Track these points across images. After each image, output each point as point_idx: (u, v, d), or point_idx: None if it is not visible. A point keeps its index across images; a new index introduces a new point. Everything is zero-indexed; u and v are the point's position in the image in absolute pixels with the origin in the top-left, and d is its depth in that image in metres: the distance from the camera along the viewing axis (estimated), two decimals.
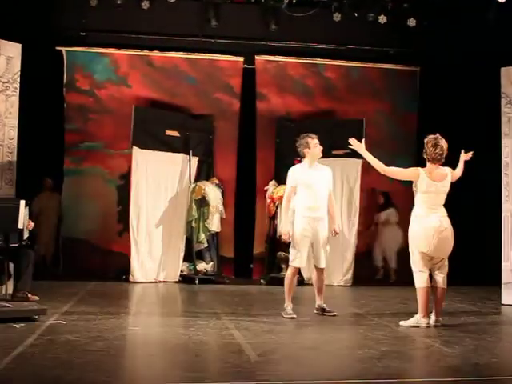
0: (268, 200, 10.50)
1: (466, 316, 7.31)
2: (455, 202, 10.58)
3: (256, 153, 11.14)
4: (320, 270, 7.18)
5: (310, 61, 11.33)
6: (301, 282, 9.98)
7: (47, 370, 4.59)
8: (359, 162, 10.38)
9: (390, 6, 10.22)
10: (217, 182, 10.56)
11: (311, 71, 11.41)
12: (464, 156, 7.01)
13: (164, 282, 10.19)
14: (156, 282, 10.09)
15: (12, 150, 8.37)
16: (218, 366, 4.93)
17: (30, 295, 7.04)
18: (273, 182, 10.59)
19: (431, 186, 6.51)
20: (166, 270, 10.27)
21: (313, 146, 7.16)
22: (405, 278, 10.19)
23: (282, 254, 10.36)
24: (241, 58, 11.18)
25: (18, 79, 8.45)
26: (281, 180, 10.58)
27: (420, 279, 6.48)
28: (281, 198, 10.31)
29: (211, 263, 10.49)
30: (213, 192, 10.32)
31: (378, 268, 11.15)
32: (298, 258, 7.04)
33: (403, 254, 10.69)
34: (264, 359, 5.03)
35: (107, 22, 10.51)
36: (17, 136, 8.41)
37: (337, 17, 10.29)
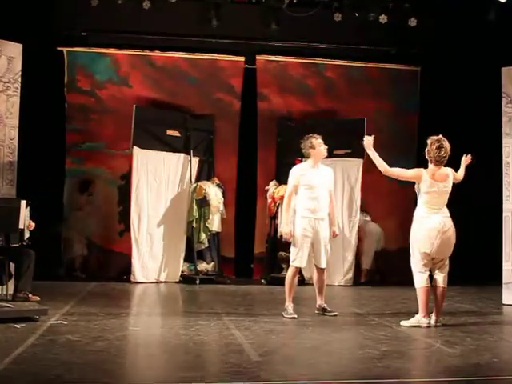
0: (269, 200, 10.50)
1: (467, 316, 7.31)
2: (456, 202, 10.63)
3: (257, 153, 11.14)
4: (321, 270, 7.18)
5: (311, 61, 11.33)
6: (301, 281, 9.98)
7: (48, 370, 4.59)
8: (360, 161, 10.40)
9: (390, 5, 10.21)
10: (217, 181, 10.57)
11: (312, 71, 11.40)
12: (465, 160, 7.00)
13: (165, 282, 10.20)
14: (157, 283, 10.10)
15: (13, 150, 8.38)
16: (218, 366, 4.93)
17: (30, 295, 7.05)
18: (273, 182, 10.59)
19: (433, 187, 6.51)
20: (166, 270, 10.28)
21: (317, 145, 7.18)
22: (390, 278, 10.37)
23: (282, 253, 10.36)
24: (242, 58, 11.18)
25: (19, 79, 8.46)
26: (281, 180, 10.58)
27: (420, 279, 6.48)
28: (281, 197, 10.32)
29: (212, 263, 10.50)
30: (213, 192, 10.32)
31: (362, 270, 10.84)
32: (298, 258, 7.04)
33: (382, 254, 10.84)
34: (265, 359, 5.04)
35: (108, 22, 10.51)
36: (18, 136, 8.42)
37: (337, 17, 10.28)
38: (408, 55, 11.10)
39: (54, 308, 6.97)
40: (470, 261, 10.37)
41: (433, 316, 6.52)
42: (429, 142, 6.64)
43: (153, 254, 10.20)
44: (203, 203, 10.28)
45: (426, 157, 6.65)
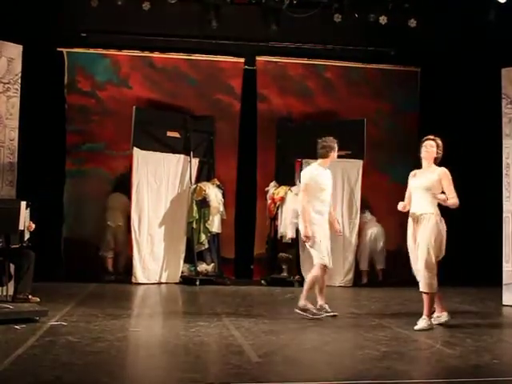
0: (269, 201, 10.51)
1: (467, 317, 7.31)
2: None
3: (257, 154, 11.14)
4: (326, 270, 7.17)
5: (311, 61, 11.33)
6: (301, 282, 9.99)
7: (48, 371, 4.59)
8: (360, 162, 10.41)
9: (390, 6, 10.21)
10: (217, 182, 10.56)
11: (312, 72, 11.41)
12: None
13: (165, 283, 10.20)
14: (158, 284, 10.10)
15: (13, 151, 8.39)
16: (218, 367, 4.93)
17: (30, 297, 7.05)
18: (273, 183, 10.60)
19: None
20: (167, 271, 10.28)
21: (336, 149, 7.19)
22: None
23: (282, 254, 10.38)
24: (241, 59, 11.19)
25: (19, 80, 8.46)
26: (281, 181, 10.60)
27: (436, 284, 6.45)
28: (281, 198, 10.37)
29: (212, 264, 10.50)
30: (213, 193, 10.32)
31: (363, 271, 10.72)
32: (326, 257, 7.04)
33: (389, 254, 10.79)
34: (265, 360, 5.04)
35: (108, 23, 10.51)
36: (18, 137, 8.42)
37: (337, 17, 10.28)
38: (408, 56, 11.11)
39: (54, 309, 6.97)
40: (470, 261, 10.39)
41: (441, 313, 6.55)
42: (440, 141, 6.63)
43: (153, 255, 10.21)
44: (203, 204, 10.28)
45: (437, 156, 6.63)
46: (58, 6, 10.19)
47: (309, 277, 7.12)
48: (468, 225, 10.63)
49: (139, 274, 10.03)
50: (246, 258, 11.11)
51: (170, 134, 10.45)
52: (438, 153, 6.65)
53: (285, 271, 10.36)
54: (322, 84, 11.41)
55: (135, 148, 10.10)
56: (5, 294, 7.26)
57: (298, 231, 9.08)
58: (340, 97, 11.38)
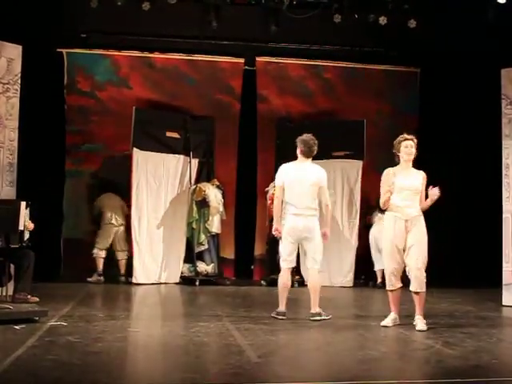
0: (268, 201, 10.49)
1: (467, 317, 7.32)
2: (455, 204, 10.65)
3: (256, 154, 11.15)
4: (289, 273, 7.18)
5: (311, 62, 11.34)
6: (301, 283, 9.99)
7: (48, 372, 4.59)
8: (359, 163, 10.42)
9: (390, 7, 10.21)
10: (217, 183, 10.57)
11: (312, 72, 11.41)
12: (433, 194, 6.52)
13: (165, 283, 10.20)
14: (158, 284, 10.10)
15: (13, 152, 8.38)
16: (218, 368, 4.93)
17: (29, 297, 7.04)
18: (273, 183, 10.56)
19: None
20: (167, 272, 10.28)
21: (299, 147, 7.11)
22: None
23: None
24: (241, 60, 11.19)
25: (19, 81, 8.46)
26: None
27: None
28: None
29: (212, 264, 10.50)
30: (213, 193, 10.33)
31: (378, 271, 10.64)
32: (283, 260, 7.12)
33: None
34: (265, 360, 5.04)
35: (108, 24, 10.51)
36: (17, 137, 8.42)
37: (337, 18, 10.27)
38: (407, 56, 11.11)
39: (54, 309, 6.97)
40: (470, 262, 10.39)
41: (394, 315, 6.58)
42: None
43: (153, 256, 10.21)
44: (203, 204, 10.28)
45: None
46: (58, 6, 10.18)
47: (314, 284, 7.01)
48: (467, 225, 10.64)
49: (139, 274, 10.03)
50: (246, 258, 11.12)
51: (169, 134, 10.45)
52: (415, 153, 6.60)
53: None
54: (322, 84, 11.42)
55: (135, 148, 10.10)
56: (4, 294, 7.26)
57: None
58: (340, 97, 11.39)
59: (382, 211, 6.76)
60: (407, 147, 6.56)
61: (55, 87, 10.64)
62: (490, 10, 9.37)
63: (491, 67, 9.13)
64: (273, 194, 10.41)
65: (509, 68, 8.57)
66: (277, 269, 10.37)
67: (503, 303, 8.24)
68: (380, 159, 11.29)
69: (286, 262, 7.02)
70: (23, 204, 7.09)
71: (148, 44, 10.95)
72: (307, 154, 7.02)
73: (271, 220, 10.47)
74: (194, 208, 10.28)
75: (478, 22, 9.77)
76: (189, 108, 11.01)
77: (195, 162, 10.65)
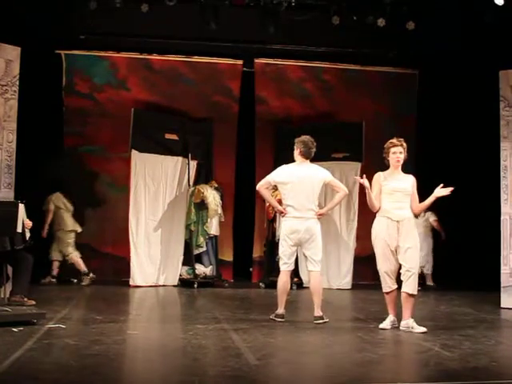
0: (267, 203, 10.49)
1: (465, 319, 7.31)
2: (453, 206, 10.65)
3: (255, 156, 11.14)
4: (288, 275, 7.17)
5: (309, 64, 11.33)
6: (300, 285, 10.00)
7: (46, 374, 4.59)
8: (358, 164, 10.42)
9: (388, 9, 10.21)
10: (216, 185, 10.56)
11: (310, 74, 11.42)
12: (439, 192, 6.59)
13: (163, 285, 10.19)
14: (155, 286, 10.09)
15: (11, 154, 8.37)
16: (216, 370, 4.92)
17: (26, 299, 7.04)
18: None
19: None
20: (165, 274, 10.27)
21: (296, 148, 7.14)
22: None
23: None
24: (240, 61, 11.19)
25: (17, 82, 8.44)
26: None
27: None
28: (280, 200, 10.35)
29: (210, 267, 10.49)
30: (212, 195, 10.32)
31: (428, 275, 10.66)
32: (283, 263, 7.12)
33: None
34: (263, 363, 5.03)
35: (106, 25, 10.49)
36: (16, 139, 8.41)
37: (336, 20, 10.26)
38: (406, 58, 11.12)
39: (52, 312, 6.97)
40: (469, 264, 10.39)
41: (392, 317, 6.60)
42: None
43: (151, 258, 10.20)
44: (201, 206, 10.27)
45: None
46: (57, 8, 10.16)
47: (316, 287, 7.00)
48: (466, 227, 10.64)
49: (136, 277, 10.02)
50: (245, 260, 11.11)
51: (168, 136, 10.44)
52: (405, 157, 6.65)
53: None
54: (321, 86, 11.42)
55: (133, 150, 10.09)
56: (2, 296, 7.25)
57: None
58: (338, 99, 11.39)
59: (415, 216, 6.79)
60: (395, 153, 6.64)
61: (53, 89, 10.64)
62: (488, 11, 9.37)
63: (489, 69, 9.14)
64: (271, 195, 10.45)
65: (507, 70, 8.57)
66: (275, 271, 10.43)
67: (502, 305, 8.24)
68: (378, 161, 11.24)
69: (286, 264, 7.02)
70: (22, 206, 7.08)
71: (146, 46, 10.94)
72: (306, 155, 7.02)
73: (270, 221, 10.52)
74: (193, 210, 10.27)
75: (476, 24, 9.78)
76: (187, 110, 11.00)
77: (194, 164, 10.64)
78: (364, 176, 6.51)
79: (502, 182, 8.53)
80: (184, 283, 10.23)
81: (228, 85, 11.21)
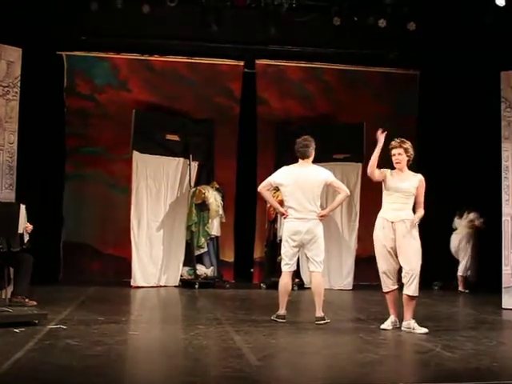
0: (268, 204, 10.49)
1: (466, 320, 7.32)
2: (455, 205, 10.65)
3: (256, 157, 11.15)
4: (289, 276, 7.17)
5: (310, 65, 11.34)
6: (301, 285, 9.99)
7: (47, 375, 4.59)
8: (359, 165, 10.41)
9: (389, 9, 10.22)
10: (217, 186, 10.56)
11: (311, 75, 11.42)
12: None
13: (164, 286, 10.20)
14: (157, 287, 10.09)
15: (12, 155, 8.38)
16: (218, 371, 4.92)
17: (27, 300, 7.04)
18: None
19: None
20: (166, 275, 10.28)
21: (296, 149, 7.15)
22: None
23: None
24: (241, 62, 11.19)
25: (19, 84, 8.46)
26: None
27: None
28: (280, 201, 10.36)
29: (211, 267, 10.49)
30: (213, 196, 10.32)
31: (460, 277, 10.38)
32: (285, 263, 7.10)
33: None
34: (264, 363, 5.03)
35: (107, 27, 10.51)
36: (17, 140, 8.42)
37: (336, 21, 10.28)
38: (407, 59, 11.12)
39: (54, 312, 6.96)
40: (470, 264, 10.38)
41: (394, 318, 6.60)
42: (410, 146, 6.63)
43: (153, 259, 10.21)
44: (202, 207, 10.28)
45: (410, 161, 6.64)
46: (58, 9, 10.18)
47: (318, 288, 6.99)
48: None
49: (138, 278, 10.03)
50: (246, 261, 11.12)
51: (169, 137, 10.45)
52: (408, 156, 6.62)
53: None
54: (322, 87, 11.42)
55: (134, 151, 10.10)
56: (4, 297, 7.26)
57: None
58: (339, 100, 11.39)
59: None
60: (394, 155, 6.64)
61: (55, 90, 10.65)
62: (489, 12, 9.37)
63: (490, 70, 9.14)
64: (272, 196, 10.45)
65: (508, 71, 8.57)
66: (276, 272, 10.43)
67: (503, 306, 8.23)
68: (379, 162, 11.32)
69: (288, 265, 7.02)
70: (23, 207, 7.09)
71: (147, 47, 10.95)
72: (301, 156, 7.05)
73: (271, 222, 10.52)
74: (194, 211, 10.27)
75: (477, 24, 9.79)
76: (188, 111, 11.01)
77: (195, 165, 10.65)
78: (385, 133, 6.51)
79: (504, 183, 8.52)
80: (185, 284, 10.23)
81: (229, 86, 11.21)
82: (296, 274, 10.19)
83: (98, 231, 10.82)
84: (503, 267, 8.40)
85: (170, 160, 10.46)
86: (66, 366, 4.82)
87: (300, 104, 11.37)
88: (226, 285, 10.34)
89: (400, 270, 6.54)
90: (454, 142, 10.92)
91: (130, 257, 10.12)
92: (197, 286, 10.05)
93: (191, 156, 10.51)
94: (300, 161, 7.06)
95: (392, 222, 6.46)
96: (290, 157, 7.36)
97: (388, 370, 4.95)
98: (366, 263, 10.24)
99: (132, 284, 9.96)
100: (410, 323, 6.43)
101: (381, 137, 6.51)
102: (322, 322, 6.78)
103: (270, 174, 7.24)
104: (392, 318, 6.58)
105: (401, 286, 6.55)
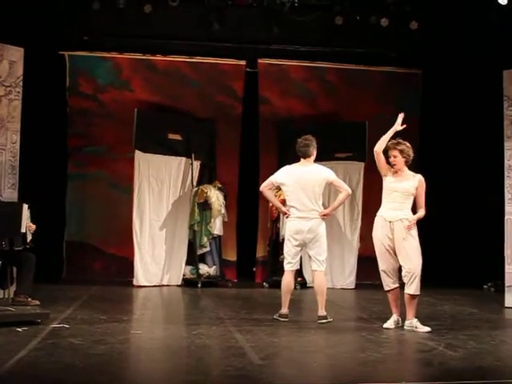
0: (270, 203, 10.48)
1: (469, 319, 7.31)
2: (457, 205, 10.64)
3: (259, 156, 11.14)
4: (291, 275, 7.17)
5: (313, 64, 11.32)
6: (303, 284, 9.99)
7: (50, 374, 4.59)
8: (361, 164, 10.42)
9: (391, 8, 10.22)
10: (219, 185, 10.57)
11: (313, 74, 11.41)
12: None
13: (167, 285, 10.20)
14: (159, 286, 10.10)
15: (15, 154, 8.39)
16: (220, 370, 4.92)
17: (30, 299, 7.05)
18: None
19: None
20: (168, 274, 10.29)
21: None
22: None
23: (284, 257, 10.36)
24: (243, 62, 11.18)
25: (21, 83, 8.47)
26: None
27: None
28: (283, 201, 10.36)
29: (214, 267, 10.50)
30: (215, 195, 10.32)
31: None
32: (288, 262, 7.12)
33: None
34: (267, 362, 5.03)
35: (110, 26, 10.52)
36: (19, 140, 8.42)
37: (339, 20, 10.28)
38: (409, 58, 11.10)
39: (56, 311, 6.98)
40: (473, 264, 10.37)
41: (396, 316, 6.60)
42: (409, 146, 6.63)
43: (155, 258, 10.21)
44: (205, 206, 10.28)
45: (410, 161, 6.64)
46: (60, 9, 10.19)
47: (320, 287, 6.98)
48: (470, 227, 10.63)
49: (140, 277, 10.03)
50: (248, 260, 11.11)
51: (171, 136, 10.45)
52: (404, 157, 6.59)
53: None
54: (324, 86, 11.41)
55: (137, 151, 10.10)
56: (7, 296, 7.27)
57: None
58: (341, 99, 11.38)
59: None
60: (391, 157, 6.64)
61: (57, 90, 10.65)
62: (492, 11, 9.36)
63: (493, 69, 9.13)
64: (275, 196, 10.44)
65: (511, 69, 8.56)
66: (279, 271, 10.43)
67: (506, 305, 8.23)
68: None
69: (290, 264, 7.03)
70: (25, 206, 7.10)
71: (150, 46, 10.95)
72: (302, 155, 7.06)
73: (274, 221, 10.52)
74: (196, 210, 10.28)
75: (480, 23, 9.78)
76: (190, 110, 11.01)
77: (197, 164, 10.64)
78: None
79: (506, 182, 8.52)
80: (187, 283, 10.24)
81: (231, 85, 11.21)
82: (299, 272, 10.21)
83: (101, 230, 10.82)
84: (506, 266, 8.39)
85: (172, 159, 10.46)
86: (68, 364, 4.83)
87: (302, 103, 11.36)
88: (228, 284, 10.35)
89: (400, 268, 6.54)
90: (457, 141, 10.90)
91: (132, 256, 10.12)
92: (199, 285, 10.06)
93: (193, 155, 10.51)
94: (301, 160, 7.07)
95: (390, 222, 6.47)
96: (292, 156, 7.36)
97: (390, 369, 4.94)
98: (368, 262, 10.21)
99: (134, 283, 9.97)
100: (412, 322, 6.43)
101: (399, 117, 6.52)
102: (325, 320, 6.78)
103: (273, 173, 7.24)
104: (394, 316, 6.58)
105: (402, 284, 6.55)
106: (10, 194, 8.29)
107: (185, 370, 4.87)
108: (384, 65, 11.30)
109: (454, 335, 6.17)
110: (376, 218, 6.61)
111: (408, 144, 6.71)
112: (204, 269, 10.38)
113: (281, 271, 10.35)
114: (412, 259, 6.42)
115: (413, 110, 11.32)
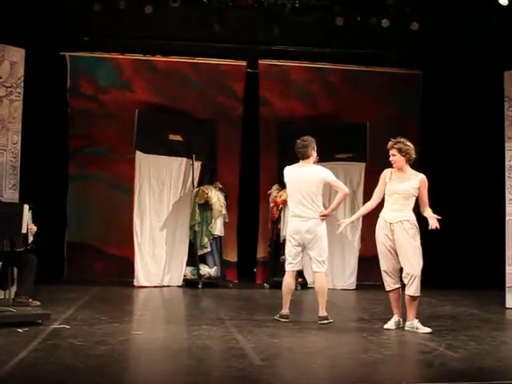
0: (271, 204, 10.50)
1: (470, 320, 7.31)
2: (458, 206, 10.64)
3: (259, 157, 11.15)
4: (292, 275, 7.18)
5: (313, 65, 11.32)
6: (304, 285, 9.99)
7: (51, 375, 4.60)
8: (362, 165, 10.42)
9: (392, 9, 10.22)
10: (220, 186, 10.57)
11: (314, 75, 11.40)
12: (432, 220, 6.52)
13: (167, 286, 10.20)
14: (160, 287, 10.10)
15: (16, 155, 8.40)
16: (221, 371, 4.93)
17: (31, 300, 7.06)
18: (276, 186, 10.58)
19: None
20: (169, 275, 10.29)
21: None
22: None
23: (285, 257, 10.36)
24: (244, 63, 11.18)
25: (22, 84, 8.47)
26: (284, 184, 10.59)
27: None
28: (284, 201, 10.37)
29: (214, 267, 10.49)
30: (216, 196, 10.33)
31: None
32: (288, 262, 7.14)
33: None
34: (267, 363, 5.03)
35: (110, 27, 10.51)
36: (20, 141, 8.43)
37: (339, 21, 10.28)
38: (410, 59, 11.10)
39: (57, 312, 6.98)
40: (473, 264, 10.38)
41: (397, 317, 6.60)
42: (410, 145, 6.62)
43: (156, 259, 10.22)
44: (206, 207, 10.28)
45: (411, 160, 6.64)
46: (60, 9, 10.19)
47: (321, 287, 6.99)
48: (470, 227, 10.63)
49: (141, 277, 10.04)
50: (249, 261, 11.11)
51: (172, 137, 10.45)
52: (404, 156, 6.60)
53: None
54: (325, 87, 11.41)
55: (138, 151, 10.11)
56: (7, 297, 7.27)
57: None
58: (342, 100, 11.37)
59: None
60: (390, 156, 6.67)
61: (58, 90, 10.65)
62: (492, 12, 9.37)
63: (494, 69, 9.13)
64: (275, 196, 10.46)
65: (511, 70, 8.56)
66: (280, 271, 10.43)
67: (507, 306, 8.23)
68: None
69: (291, 264, 7.04)
70: (26, 207, 7.10)
71: (150, 47, 10.94)
72: (301, 156, 7.10)
73: (274, 222, 10.53)
74: (197, 211, 10.28)
75: (481, 24, 9.78)
76: (191, 111, 11.01)
77: (198, 165, 10.64)
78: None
79: (507, 183, 8.52)
80: (188, 284, 10.24)
81: (232, 86, 11.21)
82: (299, 273, 10.22)
83: (102, 231, 10.82)
84: (507, 267, 8.39)
85: (172, 160, 10.46)
86: (69, 365, 4.83)
87: (303, 104, 11.35)
88: (229, 285, 10.35)
89: (402, 269, 6.55)
90: (457, 142, 10.90)
91: (133, 257, 10.12)
92: (200, 286, 10.06)
93: (194, 156, 10.51)
94: (300, 161, 7.11)
95: (390, 223, 6.49)
96: (292, 157, 7.37)
97: (391, 370, 4.95)
98: (369, 263, 10.25)
99: (135, 284, 9.97)
100: (413, 323, 6.44)
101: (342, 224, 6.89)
102: (326, 321, 6.79)
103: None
104: (395, 317, 6.58)
105: (403, 285, 6.55)
106: (11, 195, 8.29)
107: (185, 370, 4.87)
108: (384, 66, 11.30)
109: (455, 336, 6.17)
110: (378, 220, 6.65)
111: (408, 142, 6.69)
112: (205, 269, 10.38)
113: (281, 272, 10.43)
114: (411, 260, 6.43)
115: (413, 111, 11.36)
